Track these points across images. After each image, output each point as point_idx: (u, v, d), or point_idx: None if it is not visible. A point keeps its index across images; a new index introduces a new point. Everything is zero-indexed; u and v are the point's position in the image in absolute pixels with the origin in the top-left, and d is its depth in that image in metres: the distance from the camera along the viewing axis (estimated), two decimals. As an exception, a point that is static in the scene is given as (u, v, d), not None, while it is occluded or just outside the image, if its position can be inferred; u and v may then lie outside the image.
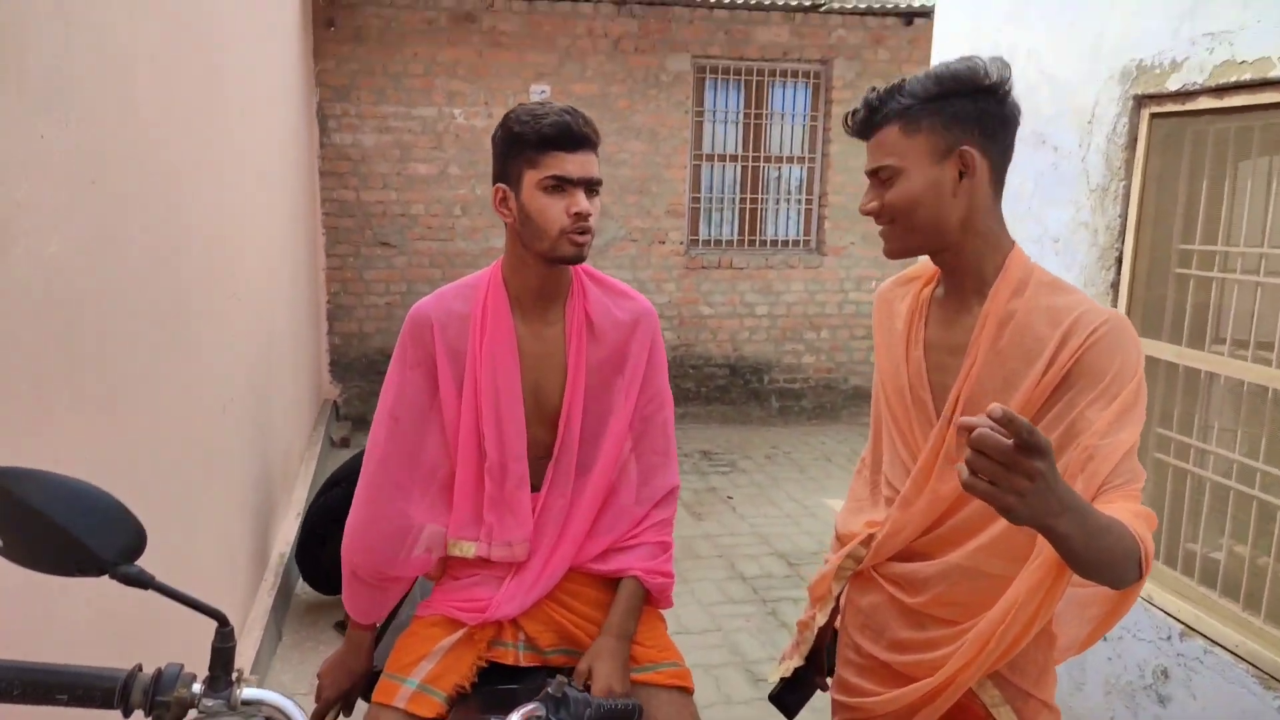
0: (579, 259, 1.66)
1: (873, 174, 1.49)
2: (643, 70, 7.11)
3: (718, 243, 7.60)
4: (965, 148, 1.42)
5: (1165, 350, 2.71)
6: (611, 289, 1.82)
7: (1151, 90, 2.65)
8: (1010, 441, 1.02)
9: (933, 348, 1.55)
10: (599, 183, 1.66)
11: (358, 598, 1.78)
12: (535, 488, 1.76)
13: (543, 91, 6.94)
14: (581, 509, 1.75)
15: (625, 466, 1.79)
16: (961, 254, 1.48)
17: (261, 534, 3.72)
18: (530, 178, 1.62)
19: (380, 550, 1.73)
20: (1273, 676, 2.32)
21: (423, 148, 6.91)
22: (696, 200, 7.49)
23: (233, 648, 1.05)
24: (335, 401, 7.02)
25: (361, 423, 7.02)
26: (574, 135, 1.61)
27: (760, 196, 7.56)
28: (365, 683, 1.82)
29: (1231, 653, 2.45)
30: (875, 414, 1.74)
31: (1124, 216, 2.78)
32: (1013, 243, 1.49)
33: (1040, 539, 1.32)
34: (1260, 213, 2.51)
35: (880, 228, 1.50)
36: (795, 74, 7.45)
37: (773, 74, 7.41)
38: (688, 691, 1.71)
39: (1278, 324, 2.46)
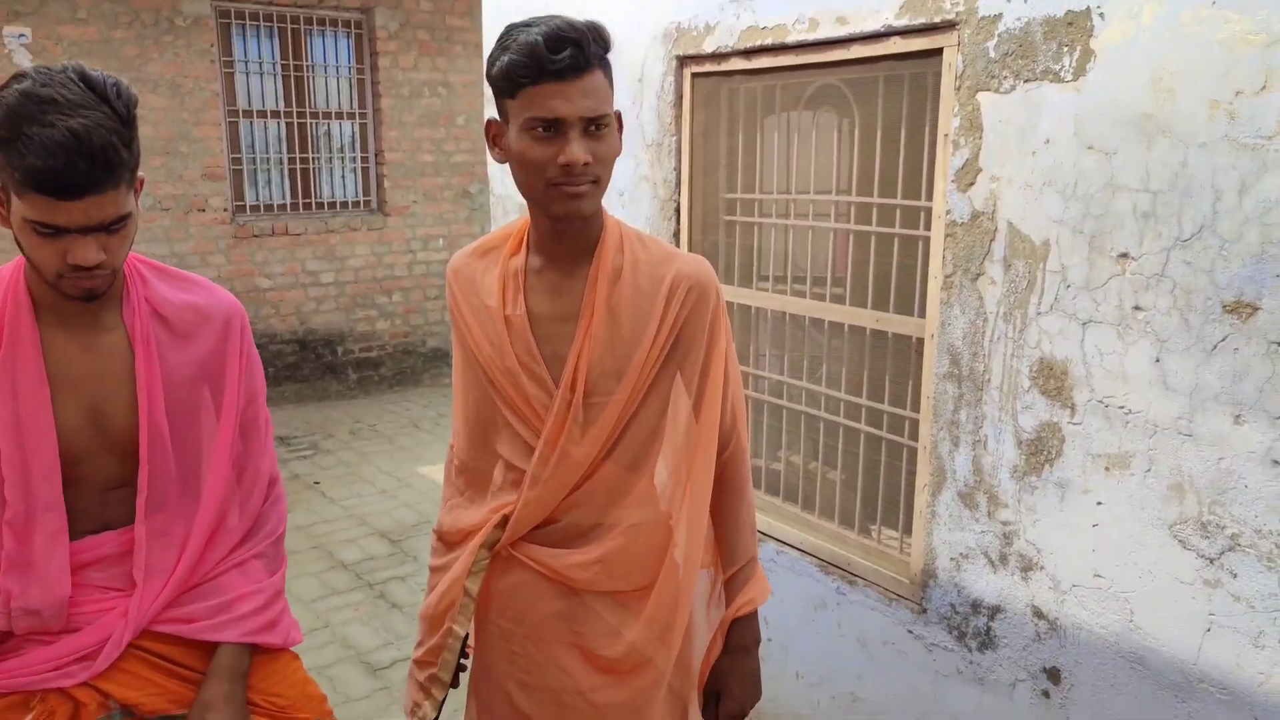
0: (88, 298, 1.36)
1: (588, 122, 1.35)
2: (151, 12, 6.17)
3: (269, 207, 6.96)
4: (617, 110, 1.42)
5: (724, 291, 2.99)
6: (180, 278, 1.54)
7: (691, 51, 2.86)
8: None
9: (539, 319, 1.50)
10: (112, 223, 1.32)
11: None
12: (113, 525, 1.47)
13: (22, 36, 5.71)
14: (194, 538, 1.49)
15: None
16: (589, 217, 1.45)
17: None
18: (17, 206, 1.28)
19: None
20: (830, 563, 2.72)
21: None
22: (238, 161, 6.77)
23: None
24: None
25: None
26: (68, 185, 1.23)
27: (311, 155, 7.04)
28: None
29: (797, 549, 2.82)
30: (467, 398, 1.62)
31: (678, 170, 3.00)
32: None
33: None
34: (783, 163, 2.85)
35: (579, 186, 1.37)
36: (334, 22, 6.99)
37: (309, 22, 6.88)
38: None
39: (807, 261, 2.83)
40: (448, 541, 1.64)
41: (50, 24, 5.83)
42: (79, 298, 1.34)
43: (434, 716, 1.61)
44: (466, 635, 1.60)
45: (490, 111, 1.53)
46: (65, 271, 1.30)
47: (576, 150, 1.34)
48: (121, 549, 1.46)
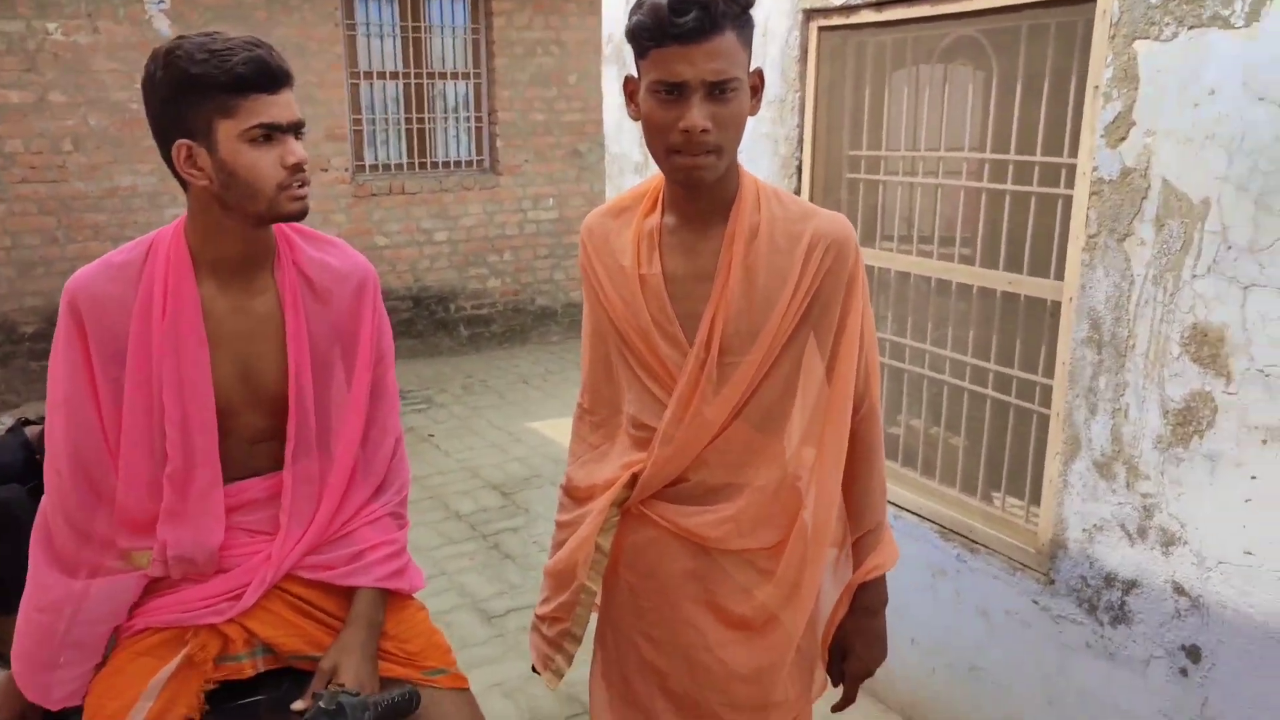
0: (303, 214, 1.43)
1: (712, 86, 1.32)
2: (280, -23, 6.37)
3: (386, 167, 7.14)
4: (759, 66, 1.39)
5: (843, 251, 2.93)
6: (321, 241, 1.59)
7: (818, 5, 2.78)
8: None
9: (674, 278, 1.50)
10: (304, 125, 1.41)
11: (37, 653, 1.44)
12: (260, 472, 1.55)
13: (160, 2, 5.97)
14: (330, 490, 1.55)
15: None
16: (722, 176, 1.43)
17: None
18: (228, 129, 1.35)
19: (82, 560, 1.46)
20: (950, 530, 2.67)
21: (10, 70, 5.71)
22: (359, 122, 6.95)
23: None
24: (-69, 384, 5.78)
25: (-28, 406, 5.86)
26: (274, 72, 1.35)
27: (427, 116, 7.18)
28: None
29: (916, 514, 2.78)
30: (596, 356, 1.63)
31: (801, 127, 2.94)
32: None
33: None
34: (911, 118, 2.76)
35: (697, 156, 1.35)
36: (451, -16, 7.07)
37: (427, -16, 6.98)
38: (465, 689, 1.60)
39: (935, 220, 2.74)
40: (576, 497, 1.65)
41: (186, -11, 6.09)
42: (296, 214, 1.42)
43: (567, 670, 1.64)
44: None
45: (633, 69, 1.52)
46: (286, 180, 1.39)
47: (696, 116, 1.32)
48: (267, 494, 1.54)
